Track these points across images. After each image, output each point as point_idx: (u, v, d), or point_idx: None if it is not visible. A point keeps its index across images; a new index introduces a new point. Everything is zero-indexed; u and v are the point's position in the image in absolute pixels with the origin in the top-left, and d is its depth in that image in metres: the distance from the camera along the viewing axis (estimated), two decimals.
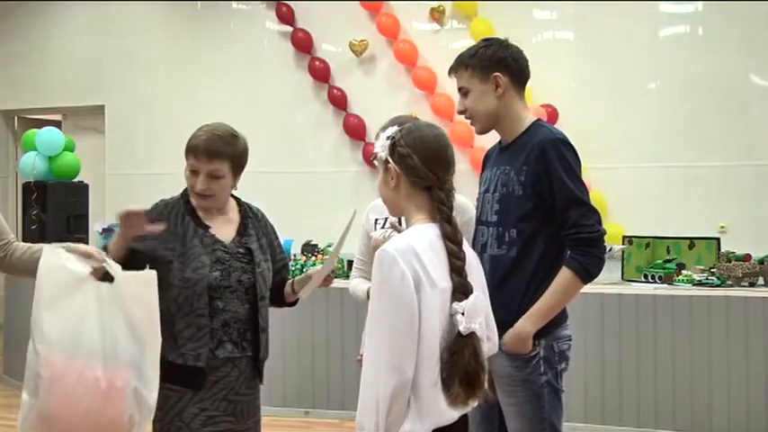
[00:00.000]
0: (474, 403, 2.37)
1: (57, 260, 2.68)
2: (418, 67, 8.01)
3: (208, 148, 2.97)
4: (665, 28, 7.46)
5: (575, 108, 7.36)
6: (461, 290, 2.36)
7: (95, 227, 7.20)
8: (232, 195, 3.20)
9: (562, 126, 7.41)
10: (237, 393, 3.05)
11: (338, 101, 8.27)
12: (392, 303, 2.25)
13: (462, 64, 3.11)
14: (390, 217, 2.98)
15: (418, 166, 2.44)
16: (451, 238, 2.40)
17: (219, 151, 2.98)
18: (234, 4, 8.90)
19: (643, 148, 7.41)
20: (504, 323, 2.74)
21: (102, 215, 8.07)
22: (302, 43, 8.38)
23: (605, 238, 2.97)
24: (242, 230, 3.17)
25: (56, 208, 7.19)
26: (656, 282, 5.80)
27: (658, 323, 5.47)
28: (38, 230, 7.13)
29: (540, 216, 2.95)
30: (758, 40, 7.02)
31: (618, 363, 5.53)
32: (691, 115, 7.23)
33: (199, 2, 8.95)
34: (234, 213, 3.22)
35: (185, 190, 3.10)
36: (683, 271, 5.82)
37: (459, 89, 3.14)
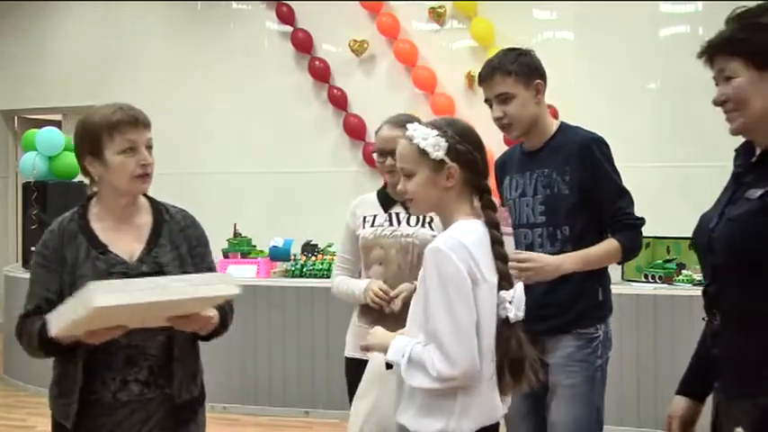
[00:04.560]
0: (518, 391, 2.46)
1: None
2: (418, 67, 8.01)
3: (142, 116, 2.65)
4: (665, 28, 7.47)
5: (574, 108, 7.35)
6: (508, 279, 2.42)
7: None
8: (144, 194, 2.78)
9: None
10: None
11: (338, 101, 8.27)
12: (455, 298, 2.26)
13: (505, 71, 3.14)
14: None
15: (479, 161, 2.47)
16: (498, 227, 2.47)
17: (148, 120, 2.68)
18: (234, 4, 8.91)
19: (643, 147, 7.39)
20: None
21: None
22: (302, 43, 8.38)
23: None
24: (152, 240, 2.69)
25: (56, 208, 7.16)
26: (656, 282, 5.81)
27: (658, 323, 5.47)
28: (38, 230, 7.12)
29: (588, 211, 3.12)
30: None
31: (619, 363, 5.51)
32: (691, 115, 7.22)
33: (199, 2, 8.95)
34: (145, 216, 2.75)
35: (81, 206, 2.73)
36: (683, 271, 5.82)
37: (498, 95, 3.15)
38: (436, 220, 3.27)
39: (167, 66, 8.96)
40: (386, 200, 3.56)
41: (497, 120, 3.19)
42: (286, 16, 8.43)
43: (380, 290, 3.30)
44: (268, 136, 8.20)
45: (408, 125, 2.54)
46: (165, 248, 2.68)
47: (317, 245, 6.68)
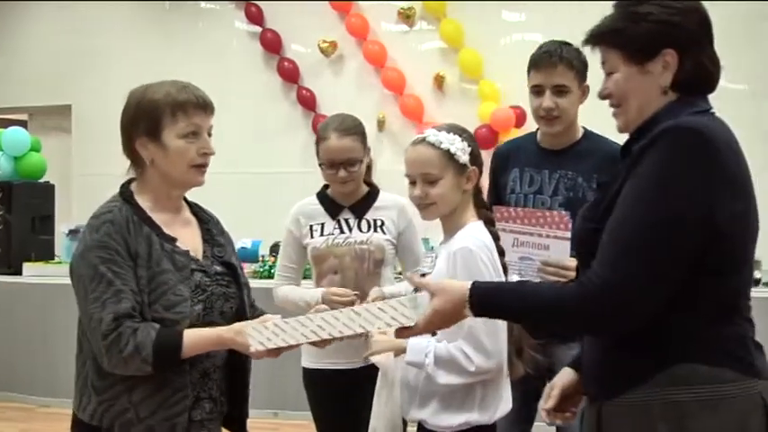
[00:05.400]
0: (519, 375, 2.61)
1: None
2: (387, 68, 8.01)
3: (210, 100, 2.44)
4: None
5: None
6: (505, 270, 2.58)
7: (61, 228, 7.14)
8: None
9: (529, 127, 7.44)
10: None
11: (307, 101, 8.26)
12: None
13: (569, 63, 3.08)
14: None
15: (481, 165, 2.64)
16: (492, 223, 2.66)
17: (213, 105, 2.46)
18: (202, 4, 8.87)
19: None
20: None
21: (68, 216, 7.97)
22: (271, 44, 8.36)
23: None
24: (208, 238, 2.48)
25: (21, 209, 7.12)
26: None
27: None
28: (3, 232, 7.05)
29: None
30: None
31: None
32: None
33: (167, 1, 8.89)
34: (187, 211, 2.52)
35: (127, 189, 2.39)
36: None
37: (556, 86, 3.09)
38: (388, 224, 3.31)
39: (135, 65, 8.86)
40: (331, 205, 3.40)
41: (547, 109, 3.12)
42: (255, 16, 8.40)
43: (338, 293, 3.15)
44: (237, 136, 8.15)
45: (427, 132, 2.60)
46: (225, 248, 2.50)
47: None
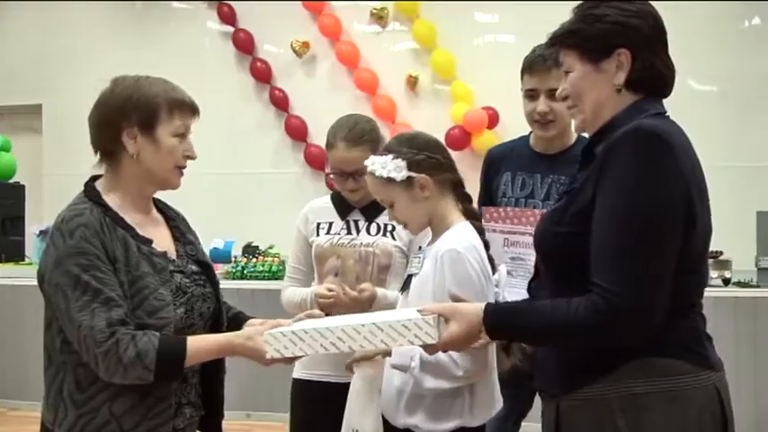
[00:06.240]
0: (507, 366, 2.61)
1: None
2: (360, 69, 8.01)
3: (192, 100, 2.37)
4: None
5: (515, 111, 7.42)
6: (491, 263, 2.56)
7: (32, 229, 7.09)
8: None
9: (502, 128, 7.52)
10: None
11: (280, 102, 8.23)
12: (473, 299, 2.28)
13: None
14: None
15: (443, 161, 2.57)
16: (477, 218, 2.66)
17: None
18: (174, 4, 8.82)
19: None
20: None
21: (39, 217, 7.90)
22: (243, 44, 8.33)
23: None
24: (178, 236, 2.41)
25: None
26: None
27: None
28: None
29: None
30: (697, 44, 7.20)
31: None
32: None
33: (138, 1, 8.84)
34: (154, 210, 2.44)
35: (93, 189, 2.28)
36: None
37: (551, 90, 2.98)
38: (400, 230, 3.08)
39: (107, 65, 8.75)
40: (342, 205, 3.23)
41: (541, 113, 3.11)
42: (227, 16, 8.37)
43: (327, 289, 2.98)
44: (209, 136, 8.04)
45: (368, 162, 2.60)
46: (195, 246, 2.43)
47: (258, 246, 6.65)
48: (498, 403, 2.60)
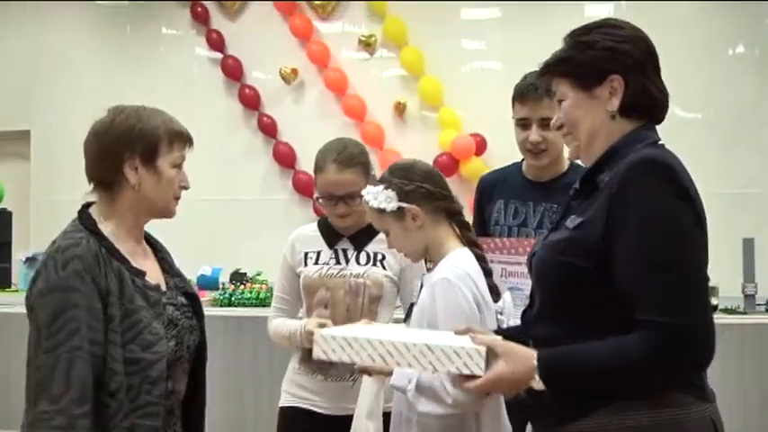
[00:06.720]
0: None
1: None
2: (348, 96, 8.02)
3: (188, 132, 2.41)
4: None
5: (502, 137, 7.44)
6: (495, 291, 2.54)
7: (19, 255, 7.05)
8: None
9: (490, 155, 7.54)
10: None
11: (268, 128, 8.24)
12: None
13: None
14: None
15: (434, 191, 2.55)
16: (478, 245, 2.61)
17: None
18: (163, 29, 8.82)
19: None
20: None
21: (26, 243, 7.87)
22: (232, 70, 8.34)
23: None
24: (167, 268, 2.43)
25: None
26: None
27: None
28: None
29: None
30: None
31: None
32: None
33: (128, 26, 8.85)
34: (143, 241, 2.43)
35: (89, 217, 2.25)
36: None
37: (543, 119, 3.01)
38: (390, 259, 3.07)
39: (96, 91, 8.79)
40: (330, 233, 3.15)
41: (534, 143, 3.09)
42: (216, 42, 8.39)
43: (319, 325, 2.82)
44: (197, 163, 7.94)
45: (364, 192, 2.59)
46: (183, 278, 2.45)
47: (245, 273, 6.61)
48: (507, 431, 2.58)
